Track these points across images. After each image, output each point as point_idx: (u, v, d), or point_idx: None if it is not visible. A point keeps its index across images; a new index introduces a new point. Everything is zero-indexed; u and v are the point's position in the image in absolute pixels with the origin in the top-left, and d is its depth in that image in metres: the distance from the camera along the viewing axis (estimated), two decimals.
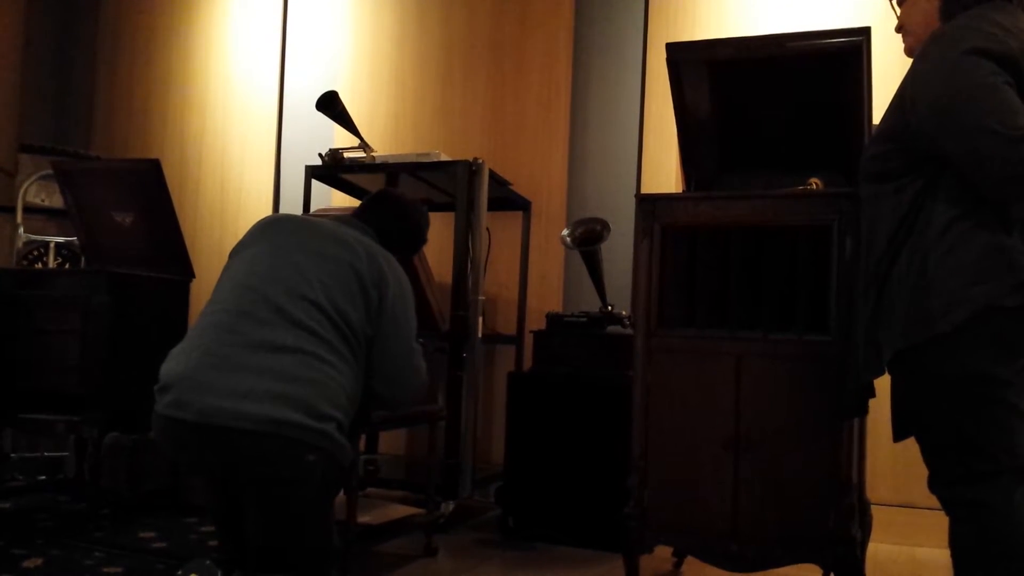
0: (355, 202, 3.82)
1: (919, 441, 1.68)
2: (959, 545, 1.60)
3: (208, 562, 2.03)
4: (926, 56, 1.62)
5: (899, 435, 1.75)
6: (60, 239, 4.01)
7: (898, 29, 1.83)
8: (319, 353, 1.85)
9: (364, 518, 2.59)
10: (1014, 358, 1.55)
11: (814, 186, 2.39)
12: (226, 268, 2.05)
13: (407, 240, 2.35)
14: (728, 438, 2.25)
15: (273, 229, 2.07)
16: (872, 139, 1.78)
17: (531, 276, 3.80)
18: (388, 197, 2.34)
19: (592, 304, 3.37)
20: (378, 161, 3.32)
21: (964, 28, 1.59)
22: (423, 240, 2.43)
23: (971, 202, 1.57)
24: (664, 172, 3.63)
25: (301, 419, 1.76)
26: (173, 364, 1.86)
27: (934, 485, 1.65)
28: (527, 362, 3.61)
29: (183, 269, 3.41)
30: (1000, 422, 1.54)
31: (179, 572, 2.02)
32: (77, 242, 3.68)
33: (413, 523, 2.76)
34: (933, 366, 1.60)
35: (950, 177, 1.59)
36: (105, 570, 2.42)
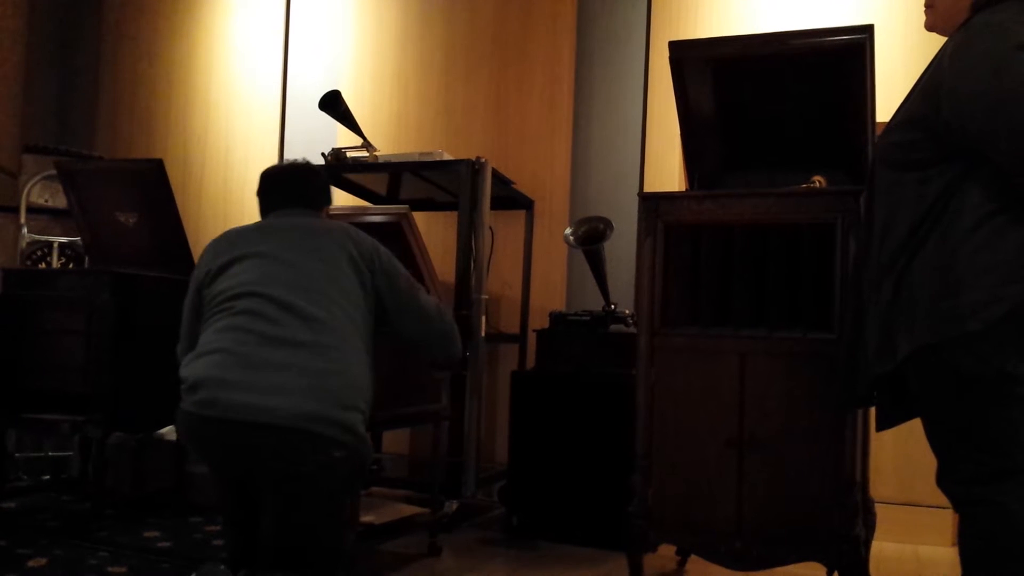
0: (359, 201, 3.83)
1: (931, 436, 1.66)
2: (969, 544, 1.57)
3: (222, 567, 2.02)
4: (969, 47, 1.54)
5: (883, 424, 1.73)
6: (64, 239, 4.01)
7: (927, 4, 1.76)
8: (334, 344, 1.87)
9: (368, 517, 2.59)
10: None
11: (817, 184, 2.39)
12: (205, 295, 2.04)
13: (326, 192, 2.32)
14: (732, 436, 2.25)
15: (244, 242, 2.06)
16: (895, 125, 1.71)
17: (534, 275, 3.80)
18: (286, 172, 2.28)
19: (595, 303, 3.37)
20: (381, 160, 3.32)
21: (1011, 22, 1.51)
22: (328, 181, 2.42)
23: (1006, 199, 1.53)
24: (667, 170, 3.63)
25: (329, 413, 1.78)
26: (196, 367, 1.87)
27: (945, 481, 1.63)
28: (530, 361, 3.61)
29: (186, 269, 3.38)
30: (1018, 420, 1.52)
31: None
32: (80, 242, 3.68)
33: (417, 522, 2.77)
34: (956, 363, 1.56)
35: (983, 172, 1.54)
36: (109, 570, 2.43)
